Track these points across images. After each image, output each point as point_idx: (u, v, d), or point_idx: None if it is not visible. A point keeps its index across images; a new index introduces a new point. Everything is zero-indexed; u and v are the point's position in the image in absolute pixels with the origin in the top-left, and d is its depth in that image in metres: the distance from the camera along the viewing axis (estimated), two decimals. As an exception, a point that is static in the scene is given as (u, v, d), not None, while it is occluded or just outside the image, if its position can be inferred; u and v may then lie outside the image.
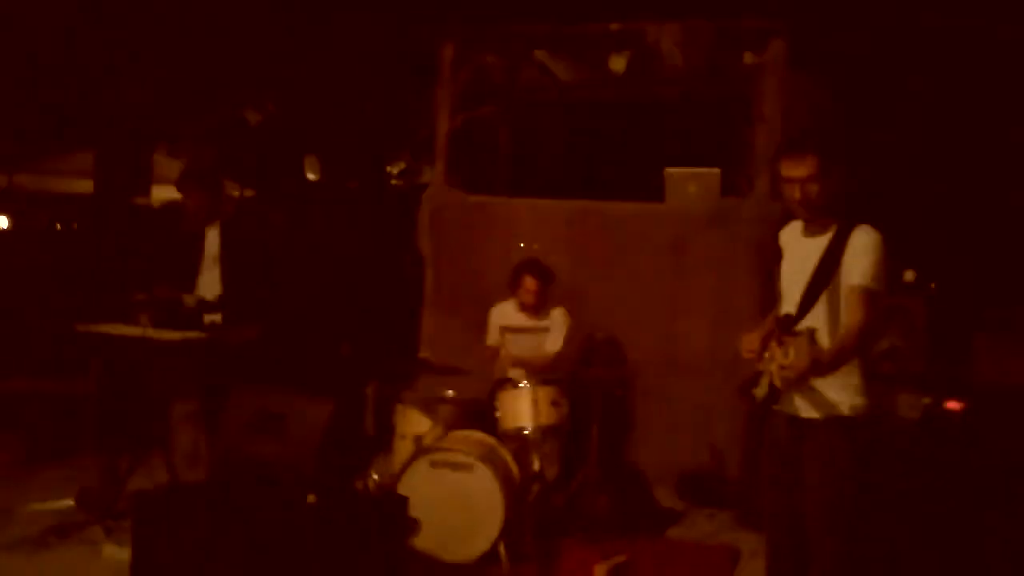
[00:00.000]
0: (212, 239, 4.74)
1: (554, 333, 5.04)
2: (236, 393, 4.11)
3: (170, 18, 6.20)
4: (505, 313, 5.11)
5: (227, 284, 4.68)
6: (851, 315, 2.81)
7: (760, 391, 2.86)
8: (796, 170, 2.88)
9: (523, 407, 4.46)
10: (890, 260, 2.87)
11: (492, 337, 5.12)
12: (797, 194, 2.90)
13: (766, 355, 2.80)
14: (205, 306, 4.63)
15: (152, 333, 4.29)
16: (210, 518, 3.24)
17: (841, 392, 2.87)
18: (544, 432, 4.48)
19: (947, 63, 4.98)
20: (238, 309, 4.63)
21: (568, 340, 5.04)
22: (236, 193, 6.28)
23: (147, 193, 6.52)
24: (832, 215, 2.92)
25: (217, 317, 4.62)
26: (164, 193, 6.65)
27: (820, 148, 2.86)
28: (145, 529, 3.32)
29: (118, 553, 3.83)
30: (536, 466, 4.47)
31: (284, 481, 3.47)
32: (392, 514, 3.54)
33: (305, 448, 3.72)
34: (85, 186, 7.23)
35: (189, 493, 3.72)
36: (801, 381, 2.76)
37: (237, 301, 4.64)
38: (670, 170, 5.63)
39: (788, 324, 2.77)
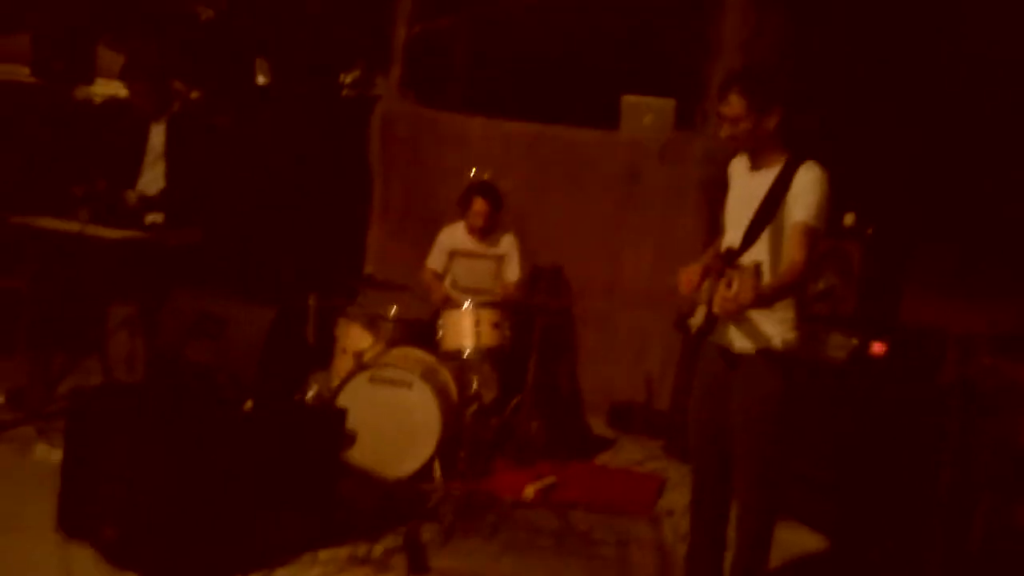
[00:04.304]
0: (157, 134, 4.61)
1: (511, 261, 5.04)
2: (176, 296, 4.07)
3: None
4: (455, 236, 5.08)
5: (171, 182, 4.58)
6: (793, 251, 2.83)
7: (696, 321, 2.90)
8: (726, 109, 2.90)
9: (465, 328, 4.48)
10: (832, 201, 2.92)
11: (435, 259, 5.09)
12: (727, 131, 2.93)
13: (704, 286, 2.84)
14: (147, 203, 4.53)
15: (90, 230, 4.19)
16: (144, 419, 3.23)
17: (775, 326, 2.91)
18: (484, 354, 4.51)
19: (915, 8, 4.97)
20: (181, 208, 4.54)
21: (521, 265, 5.08)
22: (183, 90, 6.06)
23: (90, 83, 6.25)
24: (779, 150, 2.94)
25: (159, 217, 4.53)
26: (107, 88, 6.40)
27: (748, 89, 2.86)
28: (77, 428, 3.29)
29: (49, 454, 3.80)
30: (474, 387, 4.53)
31: (223, 385, 3.46)
32: (329, 425, 3.57)
33: (246, 354, 3.72)
34: (20, 72, 6.90)
35: (124, 393, 3.70)
36: (740, 312, 2.79)
37: (180, 200, 4.55)
38: (627, 97, 5.60)
39: (731, 257, 2.79)
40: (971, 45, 4.84)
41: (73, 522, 3.22)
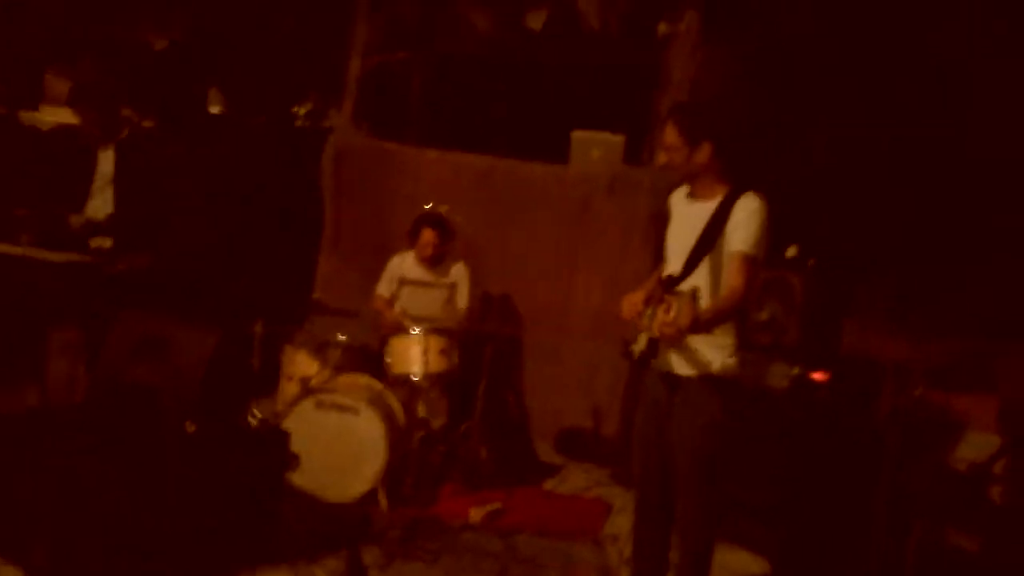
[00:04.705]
0: (105, 160, 4.59)
1: (462, 290, 5.07)
2: (121, 317, 4.01)
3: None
4: (405, 264, 5.10)
5: (119, 207, 4.55)
6: (732, 278, 2.92)
7: (638, 347, 2.96)
8: (664, 138, 3.08)
9: (413, 354, 4.49)
10: (774, 233, 3.01)
11: (384, 286, 5.09)
12: (663, 158, 3.09)
13: (647, 313, 2.90)
14: (93, 228, 4.48)
15: (32, 252, 4.13)
16: (80, 439, 3.17)
17: (715, 351, 2.99)
18: (432, 380, 4.53)
19: (861, 44, 5.14)
20: (129, 234, 4.50)
21: (470, 294, 5.10)
22: (134, 118, 6.04)
23: (35, 109, 6.20)
24: (718, 182, 3.04)
25: (106, 242, 4.48)
26: (55, 115, 6.36)
27: (680, 122, 3.03)
28: (9, 453, 3.22)
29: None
30: (422, 413, 4.53)
31: (164, 408, 3.42)
32: (272, 447, 3.54)
33: (188, 375, 3.66)
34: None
35: (60, 416, 3.63)
36: (680, 337, 2.84)
37: (129, 225, 4.51)
38: (576, 133, 5.71)
39: (671, 284, 2.86)
40: (915, 82, 5.03)
41: (3, 543, 3.12)
